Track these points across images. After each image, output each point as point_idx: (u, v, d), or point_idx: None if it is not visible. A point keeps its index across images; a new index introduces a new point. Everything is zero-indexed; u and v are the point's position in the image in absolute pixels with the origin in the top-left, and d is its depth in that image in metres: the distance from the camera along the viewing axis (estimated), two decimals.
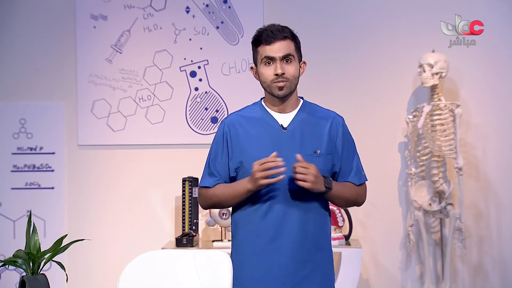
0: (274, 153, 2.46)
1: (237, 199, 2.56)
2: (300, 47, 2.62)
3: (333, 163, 2.61)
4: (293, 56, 2.56)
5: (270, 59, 2.54)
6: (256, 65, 2.61)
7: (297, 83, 2.60)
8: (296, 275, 2.52)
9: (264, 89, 2.61)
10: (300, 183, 2.46)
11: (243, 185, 2.52)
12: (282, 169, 2.44)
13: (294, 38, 2.58)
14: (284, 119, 2.60)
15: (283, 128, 2.59)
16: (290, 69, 2.55)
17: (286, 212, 2.53)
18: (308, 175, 2.45)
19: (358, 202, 2.70)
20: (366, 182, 2.70)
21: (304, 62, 2.64)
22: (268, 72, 2.55)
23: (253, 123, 2.61)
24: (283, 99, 2.59)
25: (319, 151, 2.57)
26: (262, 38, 2.55)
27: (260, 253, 2.54)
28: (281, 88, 2.55)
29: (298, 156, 2.48)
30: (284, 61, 2.54)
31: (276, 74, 2.52)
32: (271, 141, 2.57)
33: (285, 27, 2.59)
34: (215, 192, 2.60)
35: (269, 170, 2.44)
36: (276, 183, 2.49)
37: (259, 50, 2.57)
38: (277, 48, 2.53)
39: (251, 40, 2.61)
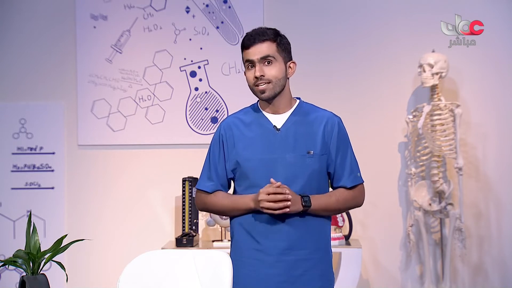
0: (278, 183, 2.48)
1: (237, 213, 2.60)
2: (287, 48, 2.61)
3: (327, 164, 2.61)
4: (274, 57, 2.56)
5: (250, 63, 2.57)
6: None
7: (284, 84, 2.60)
8: (290, 275, 2.54)
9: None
10: (276, 212, 2.48)
11: (246, 203, 2.56)
12: (288, 203, 2.47)
13: (276, 39, 2.58)
14: (278, 120, 2.62)
15: (276, 129, 2.60)
16: (270, 71, 2.55)
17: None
18: (282, 202, 2.47)
19: (353, 207, 2.68)
20: (363, 183, 2.67)
21: (294, 62, 2.64)
22: (250, 75, 2.58)
23: (248, 124, 2.63)
24: (271, 100, 2.60)
25: (312, 151, 2.57)
26: (244, 42, 2.59)
27: (254, 252, 2.56)
28: (262, 92, 2.56)
29: (272, 181, 2.49)
30: (265, 63, 2.55)
31: (256, 77, 2.55)
32: (264, 142, 2.59)
33: (269, 29, 2.60)
34: (216, 201, 2.63)
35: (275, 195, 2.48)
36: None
37: (243, 55, 2.61)
38: (255, 51, 2.55)
39: None
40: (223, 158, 2.63)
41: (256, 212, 2.55)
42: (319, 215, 2.58)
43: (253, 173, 2.57)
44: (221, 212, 2.67)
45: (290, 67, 2.62)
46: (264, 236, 2.55)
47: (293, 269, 2.54)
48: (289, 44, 2.63)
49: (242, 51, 2.61)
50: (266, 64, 2.55)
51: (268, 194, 2.47)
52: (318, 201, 2.55)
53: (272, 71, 2.56)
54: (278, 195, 2.46)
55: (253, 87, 2.58)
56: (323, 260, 2.60)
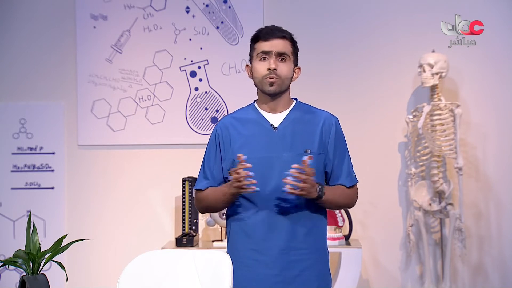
0: (242, 156, 2.46)
1: (224, 202, 2.60)
2: (297, 52, 2.66)
3: (324, 163, 2.61)
4: (289, 56, 2.60)
5: (266, 54, 2.58)
6: (251, 62, 2.65)
7: (289, 84, 2.63)
8: (286, 275, 2.54)
9: (256, 86, 2.64)
10: (292, 190, 2.46)
11: (225, 190, 2.55)
12: (252, 181, 2.44)
13: (292, 41, 2.63)
14: (275, 118, 2.62)
15: (274, 127, 2.60)
16: (284, 68, 2.58)
17: (278, 211, 2.54)
18: (305, 183, 2.45)
19: (349, 205, 2.69)
20: (357, 184, 2.68)
21: (299, 68, 2.67)
22: (262, 67, 2.58)
23: (245, 123, 2.64)
24: (274, 97, 2.61)
25: (309, 150, 2.58)
26: (261, 34, 2.61)
27: (251, 252, 2.56)
28: (272, 84, 2.57)
29: (306, 159, 2.46)
30: (280, 59, 2.58)
31: (269, 69, 2.56)
32: (261, 140, 2.59)
33: (286, 30, 2.64)
34: (206, 195, 2.64)
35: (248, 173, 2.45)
36: (268, 184, 2.52)
37: (256, 46, 2.61)
38: (274, 44, 2.58)
39: (250, 38, 2.66)
40: (219, 158, 2.64)
41: (252, 212, 2.55)
42: (317, 212, 2.58)
43: (250, 171, 2.56)
44: (212, 205, 2.66)
45: (295, 71, 2.65)
46: (261, 236, 2.55)
47: (289, 269, 2.54)
48: (298, 49, 2.67)
49: (255, 43, 2.61)
50: (281, 60, 2.58)
51: (235, 174, 2.45)
52: (330, 192, 2.55)
53: (285, 69, 2.58)
54: (240, 170, 2.44)
55: (263, 79, 2.58)
56: (320, 260, 2.60)
